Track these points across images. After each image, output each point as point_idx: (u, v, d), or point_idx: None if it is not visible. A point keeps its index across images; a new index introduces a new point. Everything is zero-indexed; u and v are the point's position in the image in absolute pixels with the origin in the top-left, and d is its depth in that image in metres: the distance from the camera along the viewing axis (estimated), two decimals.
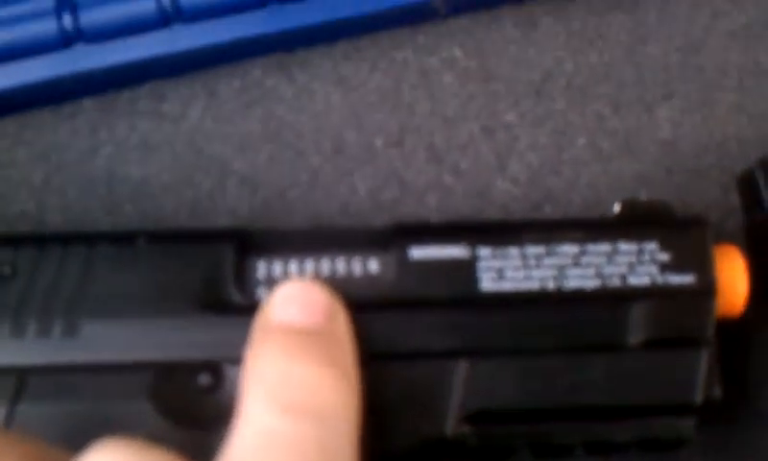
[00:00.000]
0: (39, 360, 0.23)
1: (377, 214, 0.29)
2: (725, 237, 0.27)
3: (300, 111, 0.30)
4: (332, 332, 0.22)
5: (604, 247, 0.24)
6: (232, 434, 0.20)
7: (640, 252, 0.24)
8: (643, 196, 0.29)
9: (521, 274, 0.24)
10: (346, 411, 0.21)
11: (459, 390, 0.23)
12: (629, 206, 0.26)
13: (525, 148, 0.29)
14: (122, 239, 0.25)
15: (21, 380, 0.23)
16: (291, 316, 0.22)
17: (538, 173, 0.29)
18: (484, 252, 0.24)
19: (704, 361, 0.24)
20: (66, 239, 0.25)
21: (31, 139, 0.30)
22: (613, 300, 0.24)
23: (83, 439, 0.19)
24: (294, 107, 0.30)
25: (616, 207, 0.26)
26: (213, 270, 0.24)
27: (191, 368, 0.23)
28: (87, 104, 0.30)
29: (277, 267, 0.24)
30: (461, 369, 0.23)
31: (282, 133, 0.30)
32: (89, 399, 0.23)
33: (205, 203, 0.29)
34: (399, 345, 0.23)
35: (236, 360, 0.22)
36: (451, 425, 0.23)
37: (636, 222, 0.25)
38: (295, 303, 0.22)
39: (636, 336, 0.24)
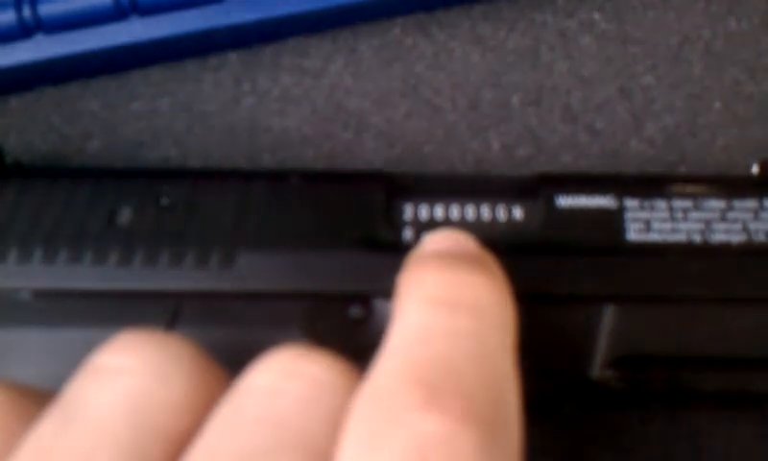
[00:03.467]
0: (196, 287, 0.23)
1: (511, 171, 0.29)
2: None
3: (438, 69, 0.30)
4: (486, 259, 0.21)
5: (750, 203, 0.25)
6: (387, 337, 0.19)
7: None
8: None
9: (668, 226, 0.24)
10: (505, 315, 0.19)
11: (605, 334, 0.23)
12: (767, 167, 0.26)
13: (661, 110, 0.29)
14: (275, 177, 0.25)
15: (177, 306, 0.23)
16: (445, 246, 0.22)
17: (673, 135, 0.29)
18: (631, 203, 0.25)
19: None
20: (222, 175, 0.26)
21: (174, 89, 0.31)
22: (759, 254, 0.24)
23: (235, 365, 0.19)
24: (432, 65, 0.30)
25: (755, 168, 0.26)
26: (363, 210, 0.25)
27: (342, 300, 0.24)
28: (232, 57, 0.31)
29: (424, 210, 0.25)
30: (608, 314, 0.23)
31: (420, 90, 0.30)
32: (243, 326, 0.23)
33: (343, 155, 0.29)
34: (546, 288, 0.24)
35: (385, 294, 0.23)
36: (596, 369, 0.23)
37: None
38: (447, 239, 0.22)
39: None
